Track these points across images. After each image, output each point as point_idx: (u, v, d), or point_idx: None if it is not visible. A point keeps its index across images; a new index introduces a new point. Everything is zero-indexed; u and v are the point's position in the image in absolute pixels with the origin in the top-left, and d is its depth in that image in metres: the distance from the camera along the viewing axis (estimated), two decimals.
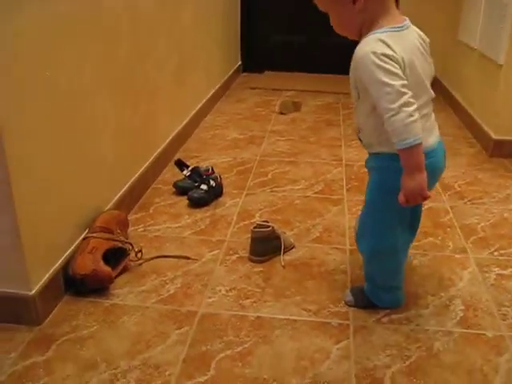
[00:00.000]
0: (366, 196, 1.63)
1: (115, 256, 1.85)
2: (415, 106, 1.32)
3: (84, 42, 1.83)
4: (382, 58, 1.32)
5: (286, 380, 1.44)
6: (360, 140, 1.58)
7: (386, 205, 1.53)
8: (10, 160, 1.43)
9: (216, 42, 4.01)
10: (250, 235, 1.98)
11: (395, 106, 1.31)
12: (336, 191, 2.54)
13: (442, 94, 4.14)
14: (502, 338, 1.60)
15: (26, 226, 1.53)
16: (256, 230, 1.96)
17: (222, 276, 1.88)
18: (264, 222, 2.00)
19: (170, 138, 2.86)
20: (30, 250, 1.55)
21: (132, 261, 1.91)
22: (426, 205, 2.40)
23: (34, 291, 1.58)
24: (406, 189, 1.38)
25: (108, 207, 2.06)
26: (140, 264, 1.92)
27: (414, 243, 2.06)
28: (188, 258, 1.97)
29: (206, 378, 1.44)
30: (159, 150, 2.68)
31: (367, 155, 1.61)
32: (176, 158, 2.67)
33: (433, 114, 1.52)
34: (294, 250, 2.04)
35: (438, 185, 2.59)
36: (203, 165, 2.56)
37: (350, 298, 1.74)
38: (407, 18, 1.46)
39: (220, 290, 1.80)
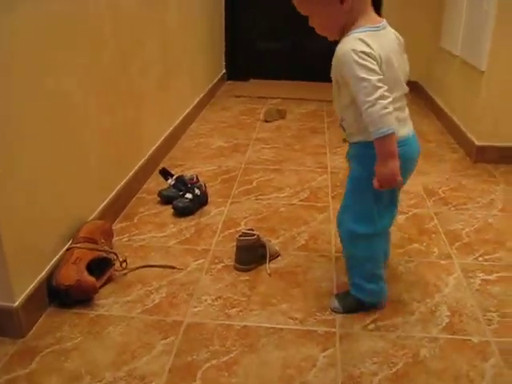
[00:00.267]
0: (347, 185, 1.71)
1: (100, 266, 1.84)
2: (390, 99, 1.43)
3: (69, 48, 1.82)
4: (361, 55, 1.43)
5: None
6: (343, 128, 1.66)
7: (364, 191, 1.61)
8: None
9: (201, 50, 4.01)
10: (235, 244, 1.97)
11: (371, 98, 1.41)
12: (321, 199, 2.55)
13: (425, 100, 4.18)
14: (488, 343, 1.61)
15: (10, 237, 1.51)
16: (241, 238, 1.95)
17: (208, 285, 1.87)
18: (249, 230, 2.00)
19: (155, 146, 2.85)
20: (13, 261, 1.53)
21: (117, 271, 1.89)
22: (411, 211, 2.41)
23: (17, 303, 1.56)
24: (379, 174, 1.48)
25: (92, 217, 2.05)
26: (125, 274, 1.91)
27: (400, 250, 2.08)
28: (173, 268, 1.96)
29: None
30: (144, 158, 2.67)
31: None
32: (161, 166, 2.66)
33: (407, 108, 1.62)
34: (279, 258, 2.04)
35: (422, 191, 2.61)
36: (188, 173, 2.55)
37: (335, 304, 1.75)
38: (384, 20, 1.56)
39: (206, 300, 1.79)
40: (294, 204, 2.49)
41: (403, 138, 1.55)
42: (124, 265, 1.90)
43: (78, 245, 1.82)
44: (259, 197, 2.56)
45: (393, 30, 1.59)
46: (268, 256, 1.98)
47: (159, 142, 2.93)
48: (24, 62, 1.55)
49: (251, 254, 1.96)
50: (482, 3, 2.97)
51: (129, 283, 1.87)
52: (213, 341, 1.60)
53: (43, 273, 1.71)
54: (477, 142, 3.02)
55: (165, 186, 2.49)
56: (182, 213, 2.34)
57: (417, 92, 4.34)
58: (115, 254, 1.90)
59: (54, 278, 1.71)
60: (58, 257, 1.79)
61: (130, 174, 2.48)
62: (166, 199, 2.44)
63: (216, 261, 2.01)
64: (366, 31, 1.48)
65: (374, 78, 1.42)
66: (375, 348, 1.58)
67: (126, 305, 1.76)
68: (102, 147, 2.16)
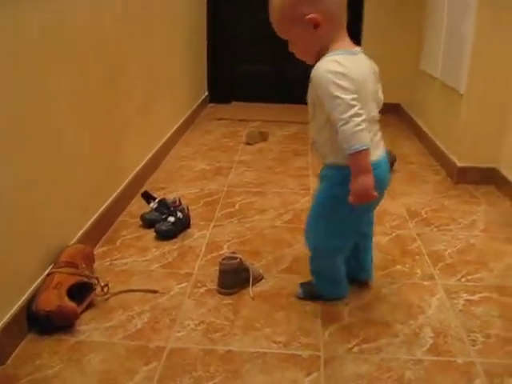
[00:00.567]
0: (313, 201, 1.80)
1: (81, 291, 1.81)
2: (363, 117, 1.48)
3: (52, 73, 1.81)
4: (336, 75, 1.49)
5: None
6: (316, 150, 1.74)
7: (329, 210, 1.71)
8: None
9: (183, 74, 4.02)
10: (218, 267, 1.96)
11: (345, 116, 1.47)
12: (304, 221, 2.53)
13: (407, 123, 4.22)
14: (473, 364, 1.60)
15: None
16: (224, 262, 1.94)
17: (191, 309, 1.85)
18: (232, 253, 1.99)
19: (137, 169, 2.83)
20: None
21: (98, 296, 1.87)
22: (394, 232, 2.41)
23: None
24: (353, 189, 1.53)
25: (73, 241, 2.02)
26: (106, 299, 1.88)
27: (383, 272, 2.08)
28: (155, 292, 1.93)
29: None
30: (126, 182, 2.65)
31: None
32: (143, 190, 2.64)
33: (379, 133, 1.68)
34: (263, 281, 2.02)
35: (405, 212, 2.62)
36: (170, 196, 2.54)
37: (300, 291, 1.91)
38: (360, 47, 1.65)
39: (188, 324, 1.77)
40: (277, 226, 2.49)
41: (376, 161, 1.60)
42: (105, 289, 1.88)
43: (58, 269, 1.79)
44: (242, 219, 2.55)
45: (368, 59, 1.66)
46: (251, 279, 1.96)
47: (141, 165, 2.91)
48: (4, 85, 1.53)
49: (234, 278, 1.94)
50: (460, 27, 3.02)
51: (110, 308, 1.84)
52: (196, 366, 1.58)
53: (23, 298, 1.67)
54: (458, 164, 3.05)
55: (147, 210, 2.47)
56: (164, 236, 2.32)
57: (399, 114, 4.39)
58: (96, 279, 1.87)
59: (34, 304, 1.68)
60: (38, 281, 1.76)
61: (112, 197, 2.46)
62: (148, 223, 2.42)
63: (199, 285, 1.99)
64: (341, 54, 1.55)
65: (348, 96, 1.47)
66: (360, 371, 1.57)
67: (107, 330, 1.73)
68: (84, 171, 2.14)
